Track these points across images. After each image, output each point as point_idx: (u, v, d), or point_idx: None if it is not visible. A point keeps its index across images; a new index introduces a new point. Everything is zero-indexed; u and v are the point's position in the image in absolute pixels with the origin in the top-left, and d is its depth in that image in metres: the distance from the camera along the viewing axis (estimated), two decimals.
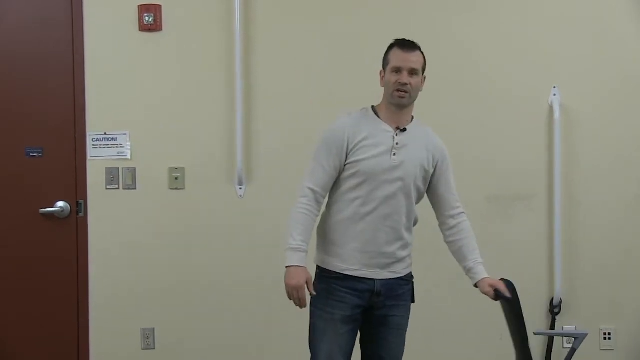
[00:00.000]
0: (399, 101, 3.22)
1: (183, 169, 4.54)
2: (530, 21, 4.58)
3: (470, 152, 4.55)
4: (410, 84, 3.20)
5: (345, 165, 3.19)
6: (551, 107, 4.54)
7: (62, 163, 4.55)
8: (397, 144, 3.22)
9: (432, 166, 3.33)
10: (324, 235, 3.25)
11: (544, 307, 4.58)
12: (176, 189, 4.55)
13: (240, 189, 4.52)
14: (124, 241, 4.57)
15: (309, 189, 3.17)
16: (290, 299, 3.12)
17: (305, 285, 3.09)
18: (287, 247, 3.12)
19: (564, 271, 4.55)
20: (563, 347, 4.56)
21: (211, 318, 4.57)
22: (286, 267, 3.10)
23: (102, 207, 4.54)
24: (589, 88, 4.57)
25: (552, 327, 4.55)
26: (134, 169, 4.54)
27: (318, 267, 3.27)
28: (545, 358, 4.55)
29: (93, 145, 4.53)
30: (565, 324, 4.58)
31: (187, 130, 4.54)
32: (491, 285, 3.26)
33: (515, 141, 4.58)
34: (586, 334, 3.50)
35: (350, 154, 3.18)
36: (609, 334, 4.59)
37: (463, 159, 4.51)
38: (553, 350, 4.54)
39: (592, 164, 4.58)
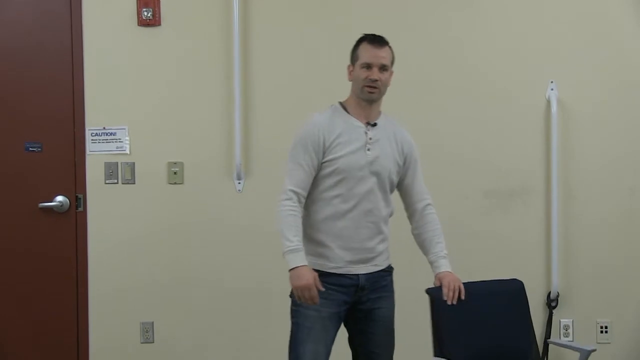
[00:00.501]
0: (369, 96, 3.23)
1: (182, 163, 4.54)
2: (528, 16, 4.59)
3: (468, 147, 4.58)
4: (380, 79, 3.21)
5: (322, 164, 3.18)
6: (548, 102, 4.55)
7: (61, 158, 4.54)
8: (370, 139, 3.23)
9: (403, 158, 3.35)
10: (305, 235, 3.21)
11: (542, 301, 4.59)
12: (175, 183, 4.55)
13: (239, 183, 4.52)
14: (123, 235, 4.56)
15: (292, 190, 3.15)
16: (300, 300, 3.10)
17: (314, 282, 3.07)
18: (285, 250, 3.09)
19: (561, 265, 4.56)
20: (560, 339, 4.58)
21: (210, 312, 4.58)
22: (290, 269, 3.07)
23: (101, 201, 4.54)
24: (586, 83, 4.59)
25: (550, 321, 4.57)
26: (133, 163, 4.54)
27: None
28: (543, 351, 4.53)
29: (92, 140, 4.52)
30: (562, 318, 4.61)
31: (185, 125, 4.54)
32: (440, 280, 3.30)
33: (512, 136, 4.59)
34: (592, 350, 3.49)
35: (327, 152, 3.17)
36: (606, 327, 4.62)
37: (461, 154, 4.60)
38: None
39: (589, 159, 4.60)
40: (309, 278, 3.05)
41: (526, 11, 4.58)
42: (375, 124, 3.26)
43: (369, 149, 3.21)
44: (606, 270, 4.61)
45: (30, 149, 4.53)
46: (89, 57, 4.51)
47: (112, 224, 4.56)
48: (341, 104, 3.30)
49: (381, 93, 3.25)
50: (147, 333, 4.59)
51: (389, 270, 3.36)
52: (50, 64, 4.53)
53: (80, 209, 4.55)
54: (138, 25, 4.50)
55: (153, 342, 4.60)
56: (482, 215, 4.60)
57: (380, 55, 3.22)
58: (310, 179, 3.19)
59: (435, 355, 3.26)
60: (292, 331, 3.24)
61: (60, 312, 4.59)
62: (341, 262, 3.20)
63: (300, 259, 3.07)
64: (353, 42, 4.45)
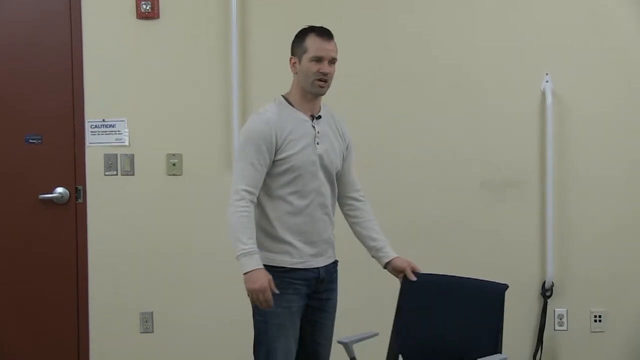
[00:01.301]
0: (319, 90, 3.17)
1: (180, 155, 4.55)
2: (523, 9, 4.58)
3: (465, 139, 4.57)
4: (330, 73, 3.15)
5: (274, 162, 3.11)
6: (544, 94, 4.54)
7: (61, 149, 4.56)
8: (318, 132, 3.20)
9: (345, 148, 3.34)
10: (264, 232, 3.16)
11: (536, 291, 4.59)
12: (174, 175, 4.56)
13: None
14: (122, 226, 4.58)
15: (244, 190, 3.05)
16: (254, 303, 3.07)
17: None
18: (239, 253, 3.01)
19: (555, 255, 4.55)
20: (554, 330, 4.61)
21: (209, 302, 4.59)
22: (245, 273, 3.00)
23: (100, 193, 4.56)
24: (581, 75, 4.57)
25: (544, 310, 4.57)
26: (132, 155, 4.55)
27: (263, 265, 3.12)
28: (537, 339, 4.58)
29: (91, 132, 4.54)
30: (556, 307, 4.60)
31: (184, 117, 4.55)
32: (397, 263, 3.34)
33: (508, 128, 4.58)
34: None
35: (280, 150, 3.10)
36: (600, 316, 4.61)
37: (457, 146, 4.59)
38: (545, 332, 4.58)
39: (584, 150, 4.58)
40: (264, 282, 2.99)
41: (522, 4, 4.57)
42: (319, 117, 3.23)
43: (318, 143, 3.18)
44: (600, 260, 4.59)
45: (31, 141, 4.54)
46: (88, 50, 4.51)
47: (112, 215, 4.57)
48: (284, 97, 3.23)
49: (329, 86, 3.20)
50: (147, 323, 4.61)
51: (335, 262, 3.36)
52: (50, 56, 4.54)
53: (80, 200, 4.56)
54: (137, 18, 4.50)
55: (152, 332, 4.62)
56: (477, 207, 4.59)
57: (329, 48, 3.15)
58: (262, 178, 3.11)
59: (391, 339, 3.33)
60: (259, 329, 3.19)
61: (60, 302, 4.60)
62: (305, 256, 3.18)
63: (255, 262, 3.01)
64: (352, 27, 4.51)
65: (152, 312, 4.60)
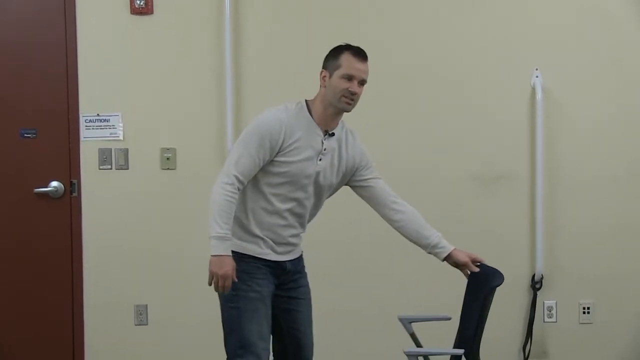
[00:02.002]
0: (345, 107, 3.17)
1: (174, 149, 4.55)
2: (514, 5, 4.60)
3: (456, 133, 4.58)
4: (358, 93, 3.16)
5: (272, 161, 3.11)
6: (533, 89, 4.55)
7: (56, 144, 4.55)
8: (324, 149, 3.19)
9: (352, 170, 3.33)
10: (237, 222, 3.17)
11: (526, 283, 4.62)
12: (168, 169, 4.56)
13: None
14: (116, 220, 4.58)
15: (235, 176, 3.05)
16: (211, 285, 3.10)
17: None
18: (213, 234, 3.03)
19: (545, 248, 4.58)
20: (544, 322, 4.64)
21: (203, 294, 4.46)
22: (213, 255, 3.03)
23: (95, 187, 4.56)
24: (570, 71, 4.59)
25: (534, 302, 4.59)
26: (127, 149, 4.55)
27: (232, 251, 3.13)
28: (527, 331, 4.60)
29: (86, 126, 4.53)
30: (546, 299, 4.63)
31: (178, 112, 4.55)
32: (470, 257, 3.32)
33: (498, 122, 4.60)
34: None
35: (282, 152, 3.10)
36: (588, 308, 4.64)
37: (448, 140, 4.60)
38: (534, 323, 4.61)
39: (573, 144, 4.60)
40: (229, 269, 3.03)
41: (513, 1, 4.60)
42: (333, 134, 3.22)
43: (320, 159, 3.19)
44: (589, 253, 4.62)
45: (25, 135, 4.53)
46: (83, 45, 4.51)
47: (106, 209, 4.58)
48: (307, 103, 3.23)
49: (355, 105, 3.20)
50: (141, 315, 4.62)
51: (301, 254, 3.40)
52: (44, 51, 4.53)
53: (75, 194, 4.56)
54: (131, 13, 4.49)
55: (147, 325, 4.62)
56: (468, 200, 4.61)
57: (362, 69, 3.16)
58: (255, 171, 3.11)
59: None
60: (230, 317, 3.21)
61: (55, 294, 4.60)
62: (269, 252, 3.20)
63: (225, 248, 3.03)
64: (344, 25, 4.49)
65: (146, 305, 4.61)
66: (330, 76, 3.15)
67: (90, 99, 4.53)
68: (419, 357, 3.16)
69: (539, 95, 4.51)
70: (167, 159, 4.55)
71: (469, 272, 3.33)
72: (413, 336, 3.37)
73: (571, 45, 4.59)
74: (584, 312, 4.65)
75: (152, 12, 4.50)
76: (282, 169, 3.12)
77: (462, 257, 3.32)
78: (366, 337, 4.54)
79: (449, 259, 3.34)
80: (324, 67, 3.21)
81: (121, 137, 4.54)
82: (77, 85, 4.52)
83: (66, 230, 4.57)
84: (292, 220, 3.21)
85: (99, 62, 4.53)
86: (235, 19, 4.48)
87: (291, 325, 3.33)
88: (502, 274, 3.12)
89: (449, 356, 3.23)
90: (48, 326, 4.60)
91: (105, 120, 4.53)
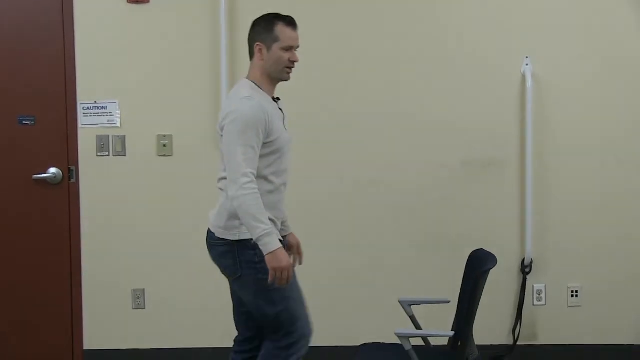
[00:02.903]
0: (287, 77, 3.22)
1: (171, 136, 4.55)
2: None
3: (447, 119, 4.58)
4: (298, 60, 3.21)
5: (264, 144, 3.10)
6: (524, 77, 4.55)
7: (54, 131, 4.55)
8: (284, 115, 3.27)
9: None
10: None
11: (516, 267, 4.63)
12: (164, 155, 4.56)
13: None
14: (114, 205, 4.59)
15: (251, 172, 3.02)
16: (274, 281, 3.04)
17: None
18: (262, 233, 2.98)
19: (534, 233, 4.58)
20: (533, 305, 4.65)
21: (199, 279, 4.59)
22: (270, 252, 2.99)
23: (93, 173, 4.56)
24: (560, 59, 4.58)
25: (524, 286, 4.60)
26: (124, 136, 4.55)
27: (248, 241, 3.11)
28: (517, 314, 4.62)
29: (84, 113, 4.53)
30: (535, 283, 4.64)
31: (174, 99, 4.55)
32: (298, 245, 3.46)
33: (489, 109, 4.59)
34: None
35: (269, 132, 3.10)
36: (576, 291, 4.64)
37: (440, 125, 4.59)
38: (524, 306, 4.62)
39: (562, 131, 4.59)
40: (288, 260, 3.03)
41: None
42: (278, 99, 3.29)
43: (284, 124, 3.25)
44: (577, 237, 4.62)
45: (24, 122, 4.53)
46: (80, 33, 4.50)
47: (104, 195, 4.58)
48: (254, 82, 3.21)
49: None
50: (139, 299, 4.63)
51: None
52: (42, 39, 4.52)
53: (73, 180, 4.56)
54: (127, 2, 4.49)
55: (144, 308, 4.63)
56: (458, 185, 4.60)
57: (297, 37, 3.20)
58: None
59: None
60: (285, 308, 3.17)
61: (54, 279, 4.61)
62: (278, 233, 3.20)
63: (277, 242, 3.01)
64: (339, 10, 4.51)
65: (143, 289, 4.62)
66: (269, 49, 3.16)
67: (88, 86, 4.52)
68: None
69: (529, 82, 4.51)
70: (164, 145, 4.55)
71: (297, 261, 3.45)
72: (413, 318, 3.40)
73: (561, 33, 4.57)
74: (572, 296, 4.65)
75: (148, 1, 4.49)
76: (273, 147, 3.12)
77: (293, 241, 3.45)
78: (367, 320, 4.54)
79: (286, 238, 3.42)
80: (258, 40, 3.19)
81: (118, 124, 4.54)
82: (75, 73, 4.51)
83: (64, 216, 4.58)
84: (284, 192, 3.25)
85: (97, 51, 4.52)
86: (231, 8, 4.47)
87: None
88: (495, 257, 3.15)
89: (447, 338, 3.26)
90: (47, 311, 4.61)
91: (102, 108, 4.52)
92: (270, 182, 3.15)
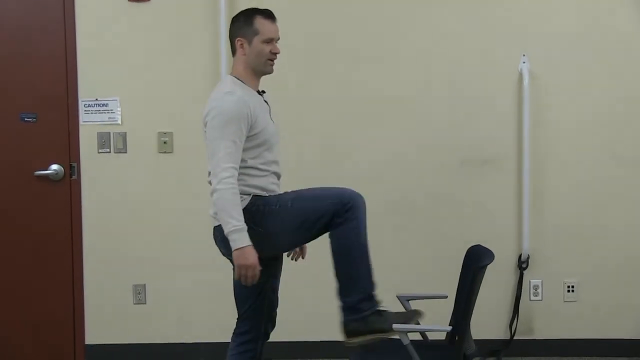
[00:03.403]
0: (270, 70, 3.21)
1: (171, 133, 4.56)
2: None
3: (446, 118, 4.59)
4: (279, 52, 3.20)
5: (248, 137, 3.07)
6: (521, 75, 4.55)
7: (56, 128, 4.56)
8: (269, 108, 3.26)
9: None
10: (254, 188, 3.13)
11: (513, 263, 4.64)
12: (165, 152, 4.58)
13: None
14: (115, 202, 4.60)
15: (232, 167, 2.99)
16: (239, 278, 3.03)
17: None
18: (231, 229, 2.95)
19: (531, 229, 4.60)
20: (530, 300, 4.66)
21: (198, 274, 4.62)
22: (235, 249, 2.97)
23: (94, 169, 4.58)
24: (556, 57, 4.59)
25: (520, 281, 4.62)
26: (125, 133, 4.56)
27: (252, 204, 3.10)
28: (514, 309, 4.63)
29: (85, 110, 4.54)
30: (532, 278, 4.65)
31: (175, 97, 4.56)
32: None
33: (487, 107, 4.60)
34: None
35: (253, 125, 3.07)
36: (572, 286, 4.66)
37: (439, 124, 4.61)
38: (521, 302, 4.62)
39: (559, 129, 4.61)
40: (255, 259, 2.98)
41: None
42: (263, 92, 3.27)
43: (270, 116, 3.25)
44: (573, 233, 4.64)
45: (26, 119, 4.54)
46: (82, 31, 4.52)
47: (105, 191, 4.59)
48: (237, 77, 3.19)
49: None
50: (140, 295, 4.64)
51: None
52: (44, 38, 4.53)
53: (75, 177, 4.57)
54: (128, 0, 4.50)
55: (145, 304, 4.65)
56: (457, 183, 4.62)
57: (277, 29, 3.20)
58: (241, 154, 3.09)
59: None
60: (301, 207, 3.12)
61: (56, 275, 4.62)
62: None
63: (247, 239, 2.97)
64: (335, 8, 4.51)
65: (144, 285, 4.63)
66: (250, 43, 3.16)
67: (89, 84, 4.54)
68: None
69: (525, 80, 4.52)
70: (164, 142, 4.56)
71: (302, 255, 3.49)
72: None
73: (558, 31, 4.58)
74: (568, 291, 4.66)
75: (148, 0, 4.50)
76: (259, 139, 3.11)
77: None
78: None
79: None
80: (239, 35, 3.18)
81: (119, 122, 4.55)
82: (76, 71, 4.53)
83: (66, 212, 4.59)
84: (278, 183, 3.25)
85: (98, 48, 4.53)
86: (231, 5, 4.46)
87: (273, 294, 3.33)
88: (492, 253, 3.14)
89: (444, 333, 3.27)
90: (48, 306, 4.62)
91: (103, 105, 4.53)
92: (261, 169, 3.13)
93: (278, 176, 3.25)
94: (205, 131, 3.11)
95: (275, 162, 3.22)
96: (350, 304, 3.07)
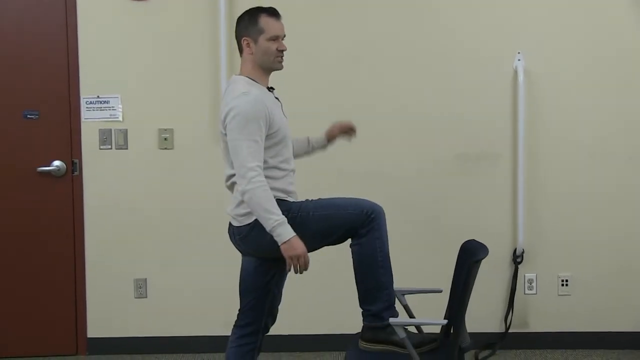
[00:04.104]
0: (279, 66, 3.21)
1: (172, 130, 4.57)
2: None
3: (442, 114, 4.61)
4: (286, 49, 3.20)
5: (267, 136, 3.09)
6: (515, 72, 4.57)
7: (58, 125, 4.58)
8: (281, 103, 3.27)
9: None
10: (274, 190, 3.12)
11: (508, 257, 4.65)
12: (165, 148, 4.59)
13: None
14: (116, 198, 4.62)
15: (257, 166, 3.00)
16: (291, 269, 3.04)
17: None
18: (274, 224, 2.96)
19: (526, 224, 4.61)
20: (524, 294, 4.67)
21: (199, 268, 4.64)
22: (285, 241, 2.97)
23: (96, 166, 4.59)
24: (550, 54, 4.60)
25: (515, 275, 4.63)
26: (126, 130, 4.57)
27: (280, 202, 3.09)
28: (508, 303, 4.64)
29: (87, 107, 4.55)
30: (527, 272, 4.67)
31: (175, 94, 4.57)
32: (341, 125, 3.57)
33: (482, 104, 4.61)
34: None
35: (271, 124, 3.08)
36: (566, 280, 4.67)
37: (435, 121, 4.62)
38: (516, 295, 4.63)
39: (553, 125, 4.62)
40: (302, 247, 3.00)
41: None
42: (273, 88, 3.28)
43: (283, 112, 3.26)
44: (567, 228, 4.65)
45: (29, 116, 4.55)
46: (83, 30, 4.54)
47: (107, 187, 4.61)
48: (248, 77, 3.19)
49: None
50: (141, 289, 4.65)
51: None
52: (47, 36, 4.56)
53: (77, 173, 4.59)
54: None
55: (146, 297, 4.66)
56: (453, 178, 4.63)
57: (282, 26, 3.19)
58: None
59: None
60: (327, 216, 3.14)
61: (58, 269, 4.64)
62: None
63: (290, 231, 2.99)
64: (335, 7, 4.51)
65: (145, 279, 4.65)
66: (256, 41, 3.15)
67: (91, 81, 4.55)
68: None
69: (520, 78, 4.53)
70: (165, 139, 4.57)
71: (350, 135, 3.60)
72: (406, 307, 3.40)
73: (553, 29, 4.60)
74: (562, 285, 4.67)
75: None
76: (278, 137, 3.12)
77: (334, 127, 3.56)
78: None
79: (328, 138, 3.57)
80: (244, 34, 3.18)
81: (120, 119, 4.56)
82: (78, 69, 4.55)
83: (68, 208, 4.61)
84: (294, 177, 3.26)
85: (99, 46, 4.55)
86: (230, 7, 4.47)
87: (277, 287, 3.33)
88: (487, 248, 3.14)
89: (439, 326, 3.27)
90: (51, 300, 4.64)
91: (105, 102, 4.55)
92: (282, 169, 3.15)
93: (294, 172, 3.26)
94: (225, 133, 3.09)
95: (291, 158, 3.24)
96: (375, 312, 3.11)
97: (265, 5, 3.23)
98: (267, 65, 3.18)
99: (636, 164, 4.64)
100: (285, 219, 2.99)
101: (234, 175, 3.11)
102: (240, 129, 3.01)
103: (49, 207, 4.60)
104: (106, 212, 4.61)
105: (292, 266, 3.03)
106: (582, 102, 4.61)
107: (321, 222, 3.14)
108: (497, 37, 4.59)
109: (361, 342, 3.15)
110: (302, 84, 4.48)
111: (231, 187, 3.22)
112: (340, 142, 4.48)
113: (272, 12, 3.18)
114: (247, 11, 3.22)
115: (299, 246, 2.99)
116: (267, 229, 2.99)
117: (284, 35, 3.20)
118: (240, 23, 3.21)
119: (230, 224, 3.28)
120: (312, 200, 3.22)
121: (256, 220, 3.07)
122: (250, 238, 3.17)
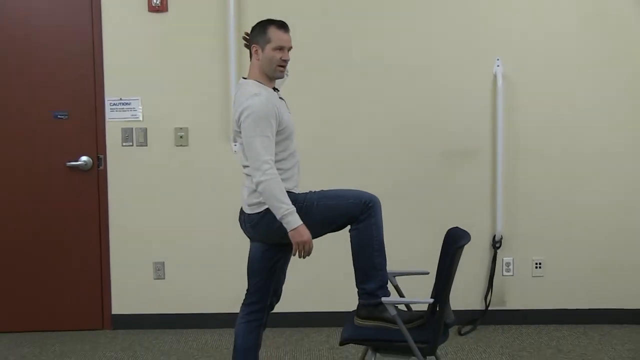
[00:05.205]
0: (279, 75, 3.26)
1: (187, 128, 4.64)
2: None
3: (427, 115, 4.65)
4: (289, 59, 3.26)
5: (277, 132, 3.15)
6: (495, 77, 4.61)
7: (85, 124, 4.64)
8: (286, 102, 3.32)
9: None
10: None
11: (488, 242, 4.73)
12: (181, 145, 4.65)
13: (235, 145, 4.58)
14: (137, 189, 4.68)
15: (270, 159, 3.07)
16: (296, 254, 3.10)
17: None
18: (284, 212, 3.03)
19: (504, 213, 4.66)
20: (502, 275, 4.73)
21: (212, 253, 4.68)
22: (294, 228, 3.04)
23: (119, 161, 4.66)
24: (528, 60, 4.64)
25: (494, 259, 4.68)
26: (146, 129, 4.64)
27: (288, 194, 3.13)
28: (488, 284, 4.73)
29: (111, 108, 4.62)
30: (504, 256, 4.74)
31: (190, 97, 4.63)
32: None
33: (465, 106, 4.65)
34: None
35: (280, 122, 3.15)
36: (540, 263, 4.75)
37: (421, 120, 4.65)
38: (494, 277, 4.71)
39: (529, 125, 4.67)
40: (308, 235, 3.07)
41: None
42: (277, 89, 3.32)
43: (288, 109, 3.31)
44: (541, 217, 4.71)
45: (59, 116, 4.62)
46: (108, 39, 4.59)
47: (129, 180, 4.67)
48: (257, 80, 3.24)
49: (285, 71, 3.31)
50: (159, 271, 4.72)
51: None
52: (74, 45, 4.61)
53: (102, 167, 4.66)
54: (148, 11, 4.57)
55: (164, 279, 4.74)
56: (438, 172, 4.68)
57: (288, 39, 3.24)
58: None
59: None
60: (332, 205, 3.20)
61: (85, 254, 4.71)
62: None
63: (298, 219, 3.06)
64: (334, 15, 4.53)
65: (163, 262, 4.73)
66: (263, 50, 3.21)
67: (114, 85, 4.60)
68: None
69: (499, 82, 4.54)
70: (181, 137, 4.63)
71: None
72: (397, 288, 3.43)
73: (530, 36, 4.61)
74: (536, 267, 4.75)
75: (167, 10, 4.57)
76: (285, 134, 3.19)
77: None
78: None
79: None
80: (254, 42, 3.23)
81: (141, 118, 4.61)
82: (103, 73, 4.61)
83: (94, 198, 4.68)
84: (299, 168, 3.33)
85: (122, 54, 4.60)
86: (238, 17, 4.52)
87: (282, 271, 3.41)
88: (469, 234, 3.16)
89: (426, 305, 3.31)
90: (79, 281, 4.72)
91: (127, 104, 4.60)
92: (289, 160, 3.23)
93: (299, 163, 3.32)
94: (239, 131, 3.17)
95: (297, 151, 3.29)
96: (370, 290, 3.17)
97: (270, 16, 3.27)
98: (270, 72, 3.23)
99: (602, 158, 4.68)
100: (294, 209, 3.06)
101: (248, 166, 3.18)
102: (254, 127, 3.07)
103: (77, 198, 4.66)
104: (128, 202, 4.66)
105: (297, 251, 3.09)
106: (556, 104, 4.65)
107: (325, 212, 3.19)
108: (477, 44, 4.60)
109: (356, 319, 3.20)
110: (299, 84, 4.31)
111: (247, 176, 3.24)
112: (340, 142, 4.58)
113: (281, 25, 3.24)
114: (259, 22, 3.27)
115: (306, 233, 3.07)
116: (278, 217, 3.05)
117: (290, 47, 3.24)
118: (253, 32, 3.28)
119: (241, 211, 3.33)
120: (315, 191, 3.27)
121: (266, 209, 3.13)
122: (260, 225, 3.23)
